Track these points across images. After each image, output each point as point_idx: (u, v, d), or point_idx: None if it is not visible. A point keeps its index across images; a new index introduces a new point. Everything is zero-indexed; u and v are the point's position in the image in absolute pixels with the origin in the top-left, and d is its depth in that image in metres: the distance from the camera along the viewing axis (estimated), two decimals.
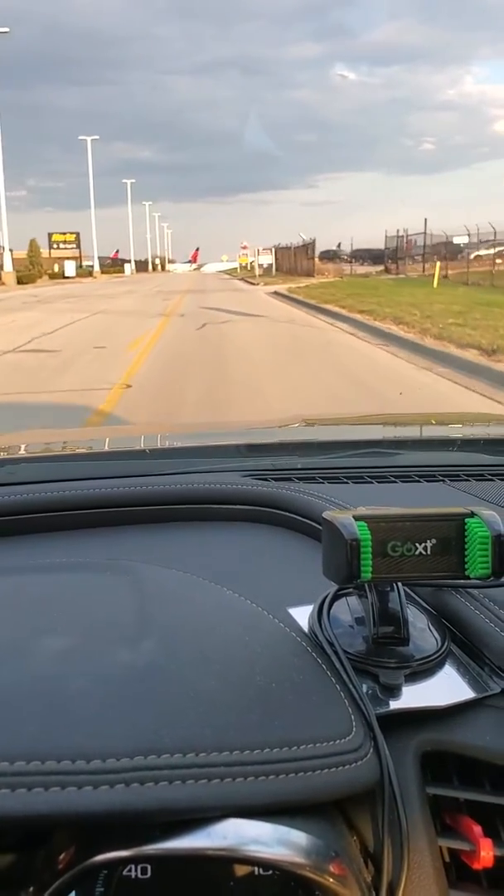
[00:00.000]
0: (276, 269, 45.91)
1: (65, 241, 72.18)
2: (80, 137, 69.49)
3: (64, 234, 72.79)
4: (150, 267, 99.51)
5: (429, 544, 0.59)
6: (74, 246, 71.24)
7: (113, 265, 78.59)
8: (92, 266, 68.83)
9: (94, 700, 0.52)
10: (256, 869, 0.48)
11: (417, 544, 0.59)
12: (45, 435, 2.14)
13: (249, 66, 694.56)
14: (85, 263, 69.11)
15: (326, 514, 0.61)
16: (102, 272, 68.90)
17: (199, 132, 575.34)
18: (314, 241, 40.36)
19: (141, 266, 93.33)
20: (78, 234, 71.50)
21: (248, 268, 52.90)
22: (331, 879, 0.47)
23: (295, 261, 42.38)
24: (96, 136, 70.73)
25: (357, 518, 0.59)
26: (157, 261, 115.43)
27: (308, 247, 40.48)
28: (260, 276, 41.90)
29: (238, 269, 56.18)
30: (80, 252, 70.14)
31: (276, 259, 47.57)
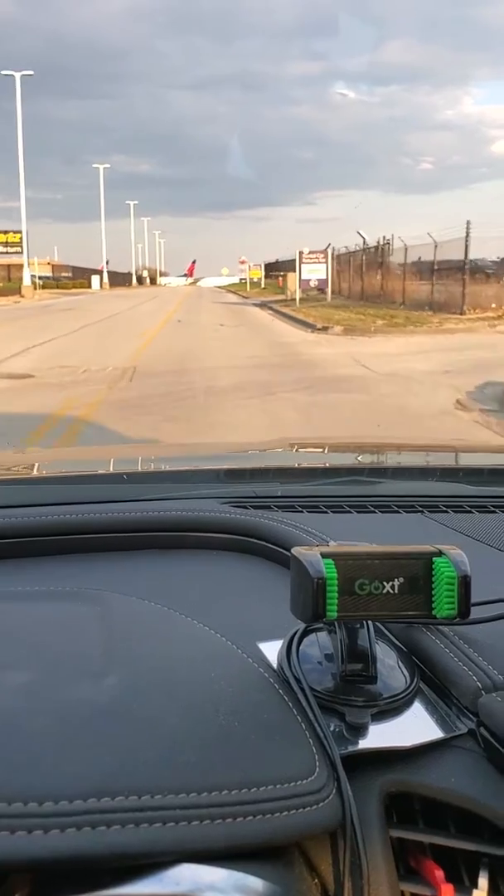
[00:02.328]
0: (336, 291, 30.12)
1: (6, 243, 51.76)
2: (94, 165, 72.26)
3: (6, 232, 52.05)
4: (133, 280, 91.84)
5: (396, 583, 0.59)
6: (17, 250, 49.60)
7: (69, 278, 67.93)
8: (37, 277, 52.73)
9: (52, 738, 0.51)
10: None
11: (385, 583, 0.59)
12: (16, 456, 2.08)
13: (249, 82, 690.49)
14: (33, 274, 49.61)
15: (295, 551, 0.61)
16: (44, 286, 54.21)
17: (198, 147, 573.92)
18: (436, 246, 21.23)
19: (121, 279, 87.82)
20: (22, 233, 48.75)
21: (261, 285, 51.21)
22: None
23: (379, 278, 26.04)
24: (108, 165, 74.15)
25: (325, 555, 0.59)
26: (145, 272, 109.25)
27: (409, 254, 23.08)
28: (303, 301, 26.06)
29: (247, 286, 51.41)
30: (27, 258, 47.92)
31: (336, 271, 30.63)
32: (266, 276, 53.97)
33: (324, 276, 27.20)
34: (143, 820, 0.46)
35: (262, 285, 53.60)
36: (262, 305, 28.94)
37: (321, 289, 27.59)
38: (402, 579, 0.59)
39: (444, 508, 1.08)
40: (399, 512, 1.07)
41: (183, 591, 0.81)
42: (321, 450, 2.00)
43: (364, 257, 29.14)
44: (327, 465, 1.66)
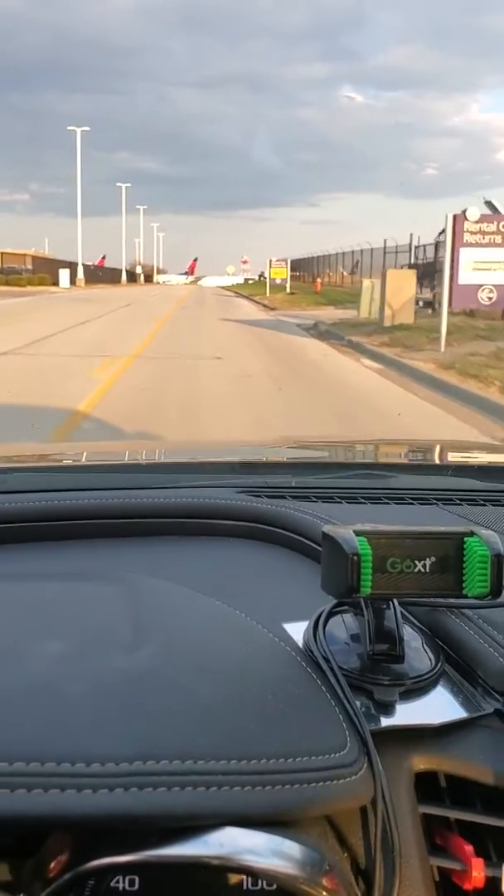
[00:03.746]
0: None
1: None
2: (70, 128, 58.05)
3: None
4: (123, 276, 78.45)
5: (427, 562, 0.60)
6: None
7: (29, 271, 51.82)
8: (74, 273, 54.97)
9: (92, 705, 0.52)
10: (246, 884, 0.48)
11: (416, 561, 0.59)
12: (38, 447, 2.20)
13: (256, 83, 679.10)
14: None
15: (326, 529, 0.61)
16: None
17: (203, 146, 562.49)
18: None
19: (110, 275, 78.56)
20: None
21: (286, 288, 39.67)
22: (324, 893, 0.46)
23: None
24: (87, 128, 59.37)
25: (358, 533, 0.59)
26: (139, 268, 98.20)
27: None
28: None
29: (266, 289, 42.00)
30: None
31: None
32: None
33: None
34: (187, 783, 0.46)
35: (289, 289, 38.83)
36: (382, 359, 11.15)
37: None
38: (433, 558, 0.60)
39: (458, 501, 1.08)
40: (413, 504, 1.07)
41: (201, 576, 0.81)
42: (331, 446, 1.97)
43: None
44: (340, 459, 1.64)
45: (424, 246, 26.26)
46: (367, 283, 18.29)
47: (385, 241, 30.89)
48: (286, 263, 40.05)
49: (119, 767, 0.46)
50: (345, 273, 46.09)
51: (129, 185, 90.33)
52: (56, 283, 48.45)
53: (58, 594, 0.71)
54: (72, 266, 56.84)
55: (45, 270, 50.94)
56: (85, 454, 1.70)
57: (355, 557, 0.57)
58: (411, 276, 15.19)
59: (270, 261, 39.95)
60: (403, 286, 14.55)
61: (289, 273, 40.32)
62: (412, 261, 26.48)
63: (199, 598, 0.71)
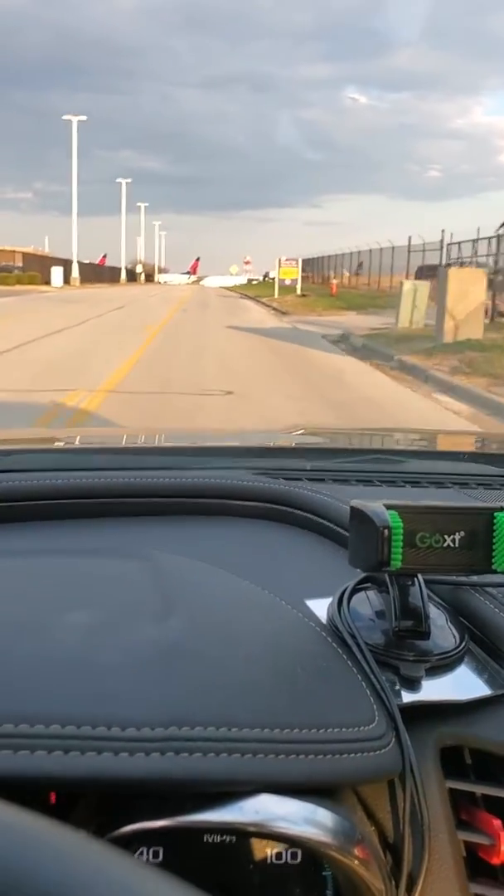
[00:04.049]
0: None
1: None
2: (66, 117, 54.47)
3: None
4: (123, 275, 76.70)
5: (457, 537, 0.60)
6: None
7: (20, 268, 48.13)
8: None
9: (125, 672, 0.52)
10: (271, 858, 0.48)
11: (446, 536, 0.59)
12: (53, 432, 2.19)
13: (259, 83, 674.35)
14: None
15: (355, 503, 0.61)
16: None
17: (206, 146, 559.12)
18: None
19: (108, 274, 75.66)
20: None
21: (296, 289, 36.62)
22: (356, 862, 0.47)
23: None
24: (83, 117, 55.84)
25: (388, 507, 0.59)
26: (139, 267, 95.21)
27: None
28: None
29: (275, 290, 39.30)
30: None
31: None
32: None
33: None
34: (222, 750, 0.47)
35: (299, 290, 35.45)
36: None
37: None
38: (462, 533, 0.60)
39: (475, 485, 1.08)
40: (429, 487, 1.07)
41: (219, 555, 0.80)
42: (344, 433, 2.00)
43: None
44: (354, 445, 1.64)
45: (460, 243, 22.91)
46: (408, 285, 14.89)
47: (410, 238, 27.53)
48: (297, 263, 36.69)
49: (155, 732, 0.46)
50: (359, 274, 42.74)
51: (129, 180, 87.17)
52: (48, 282, 45.09)
53: (84, 569, 0.71)
54: (67, 264, 53.45)
55: (37, 268, 47.48)
56: (99, 438, 1.85)
57: (386, 531, 0.57)
58: (480, 277, 11.69)
59: (280, 260, 36.56)
60: (470, 290, 11.08)
61: (300, 273, 36.93)
62: (443, 260, 23.09)
63: (222, 573, 0.71)
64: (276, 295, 35.09)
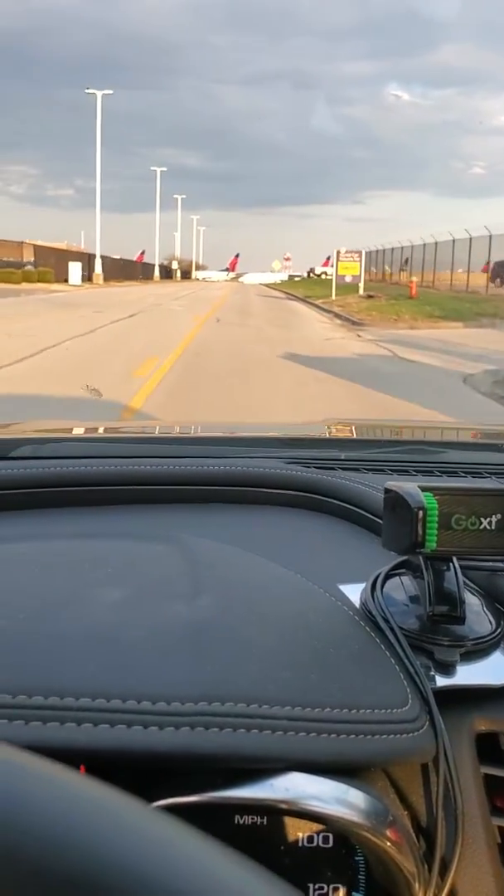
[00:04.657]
0: None
1: None
2: (89, 91, 48.33)
3: None
4: (156, 272, 70.44)
5: (493, 519, 0.59)
6: None
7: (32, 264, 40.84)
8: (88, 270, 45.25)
9: (155, 647, 0.52)
10: (302, 840, 0.48)
11: (482, 518, 0.58)
12: (85, 423, 1.90)
13: (301, 80, 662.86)
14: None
15: (389, 485, 0.61)
16: None
17: (247, 142, 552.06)
18: None
19: (141, 270, 69.26)
20: None
21: (358, 289, 29.94)
22: (388, 844, 0.46)
23: None
24: (109, 91, 49.46)
25: (423, 489, 0.58)
26: (175, 264, 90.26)
27: None
28: None
29: (331, 290, 33.51)
30: None
31: None
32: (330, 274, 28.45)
33: None
34: (253, 726, 0.46)
35: (362, 289, 28.60)
36: None
37: None
38: (499, 516, 0.59)
39: None
40: (465, 477, 1.05)
41: (252, 541, 0.80)
42: (378, 426, 1.99)
43: None
44: (388, 436, 1.61)
45: None
46: None
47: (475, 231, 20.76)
48: (360, 257, 29.56)
49: (185, 707, 0.46)
50: (403, 270, 35.81)
51: (164, 168, 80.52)
52: (65, 280, 38.79)
53: (116, 550, 0.71)
54: (89, 259, 47.17)
55: (53, 264, 41.23)
56: (135, 428, 1.87)
57: (420, 512, 0.57)
58: None
59: (338, 252, 29.53)
60: None
61: (363, 269, 29.99)
62: None
63: (253, 557, 0.70)
64: (334, 295, 28.35)
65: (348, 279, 29.31)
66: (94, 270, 45.46)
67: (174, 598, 0.59)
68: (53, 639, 0.52)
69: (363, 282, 29.57)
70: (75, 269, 39.52)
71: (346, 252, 29.53)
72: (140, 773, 0.46)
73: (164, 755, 0.44)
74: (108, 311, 18.58)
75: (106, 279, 47.93)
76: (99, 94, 47.68)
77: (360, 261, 29.53)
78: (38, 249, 41.76)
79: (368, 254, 37.47)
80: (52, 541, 0.76)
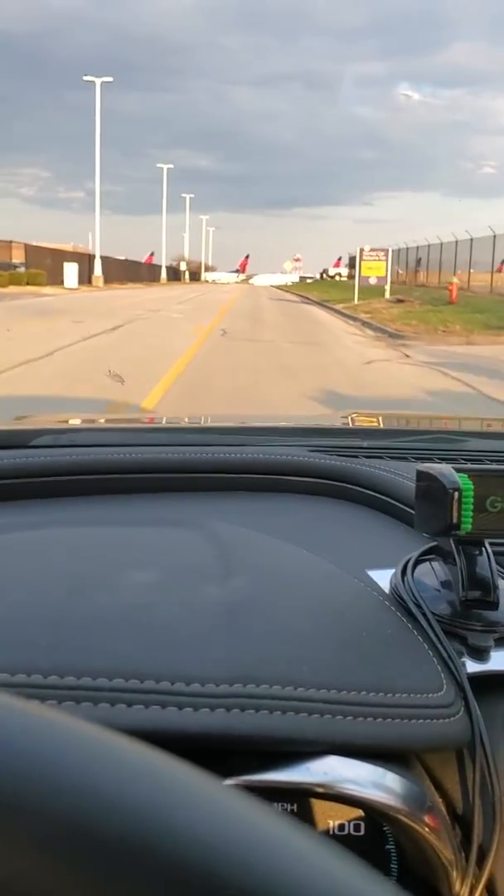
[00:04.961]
0: None
1: None
2: (86, 78, 45.24)
3: None
4: (163, 274, 67.87)
5: None
6: None
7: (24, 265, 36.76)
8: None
9: (188, 628, 0.51)
10: (333, 828, 0.48)
11: None
12: (104, 415, 2.13)
13: (313, 81, 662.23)
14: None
15: (422, 467, 0.60)
16: None
17: (258, 143, 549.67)
18: None
19: (148, 272, 66.24)
20: None
21: (383, 292, 26.74)
22: (426, 829, 0.46)
23: None
24: (109, 78, 46.23)
25: (457, 470, 0.57)
26: (183, 265, 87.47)
27: None
28: None
29: (353, 294, 29.41)
30: None
31: None
32: (351, 274, 24.96)
33: None
34: (289, 708, 0.46)
35: (387, 293, 25.21)
36: None
37: None
38: None
39: None
40: (490, 464, 1.02)
41: (278, 528, 0.78)
42: (400, 417, 1.94)
43: None
44: (410, 427, 1.59)
45: None
46: None
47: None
48: (385, 255, 26.11)
49: (219, 689, 0.45)
50: (417, 271, 32.40)
51: (170, 166, 77.14)
52: (61, 282, 35.50)
53: (146, 536, 0.71)
54: (88, 260, 43.88)
55: (49, 265, 37.93)
56: (161, 419, 1.82)
57: (456, 493, 0.56)
58: None
59: (361, 251, 26.09)
60: None
61: (389, 269, 26.54)
62: None
63: (280, 543, 0.69)
64: (357, 299, 24.97)
65: (373, 281, 25.92)
66: (93, 272, 42.18)
67: (206, 580, 0.58)
68: (86, 619, 0.51)
69: (389, 284, 26.18)
70: (71, 271, 36.16)
71: (371, 250, 26.07)
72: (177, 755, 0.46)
73: (199, 736, 0.43)
74: (91, 319, 15.27)
75: (108, 281, 44.69)
76: (98, 81, 44.41)
77: (387, 260, 26.10)
78: (30, 250, 38.13)
79: (399, 251, 33.97)
80: (78, 527, 0.75)
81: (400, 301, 22.97)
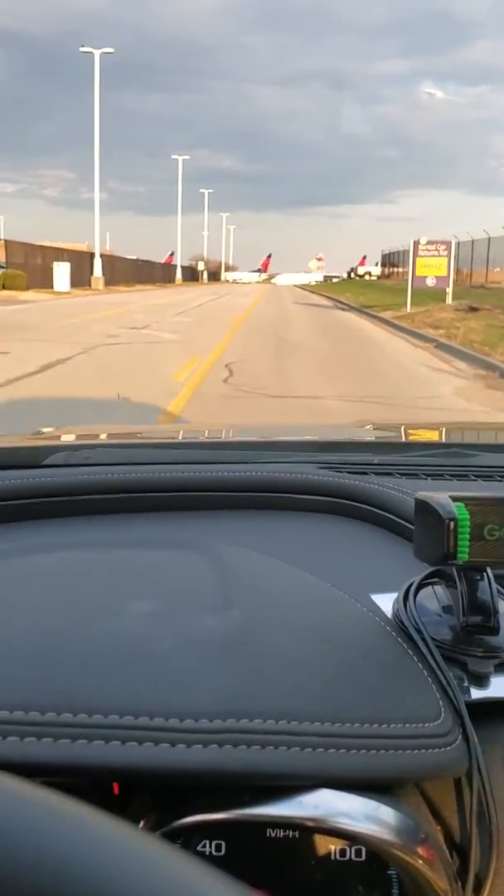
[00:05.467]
0: None
1: None
2: (84, 49, 40.26)
3: None
4: (178, 275, 63.75)
5: None
6: None
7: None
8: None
9: (184, 661, 0.51)
10: (335, 853, 0.48)
11: None
12: (116, 428, 2.06)
13: (336, 80, 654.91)
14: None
15: (420, 495, 0.60)
16: None
17: (281, 143, 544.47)
18: None
19: (164, 273, 61.07)
20: None
21: (445, 297, 20.89)
22: (420, 862, 0.46)
23: None
24: (187, 157, 41.04)
25: (454, 499, 0.57)
26: (201, 265, 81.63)
27: None
28: None
29: (368, 290, 24.31)
30: None
31: None
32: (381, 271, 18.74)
33: None
34: (281, 743, 0.46)
35: (448, 297, 19.47)
36: None
37: None
38: None
39: None
40: (502, 481, 1.03)
41: (283, 549, 0.78)
42: (411, 428, 1.84)
43: None
44: (421, 440, 1.56)
45: None
46: None
47: None
48: (447, 250, 20.31)
49: (213, 724, 0.46)
50: None
51: (186, 157, 71.82)
52: (50, 286, 30.06)
53: (146, 560, 0.71)
54: (88, 258, 38.42)
55: (41, 265, 32.48)
56: (167, 433, 1.84)
57: (452, 523, 0.56)
58: None
59: (415, 244, 20.26)
60: None
61: (452, 268, 20.73)
62: None
63: (283, 566, 0.70)
64: (409, 306, 19.32)
65: (430, 282, 20.21)
66: (93, 273, 36.71)
67: (203, 610, 0.58)
68: (83, 653, 0.51)
69: (451, 287, 20.45)
70: (62, 272, 30.75)
71: (428, 243, 20.33)
72: (168, 791, 0.46)
73: (191, 773, 0.44)
74: (31, 350, 9.77)
75: (113, 283, 39.35)
76: (97, 52, 39.06)
77: (449, 256, 20.33)
78: (17, 247, 32.30)
79: (460, 244, 28.01)
80: (85, 549, 0.76)
81: (474, 309, 17.21)
